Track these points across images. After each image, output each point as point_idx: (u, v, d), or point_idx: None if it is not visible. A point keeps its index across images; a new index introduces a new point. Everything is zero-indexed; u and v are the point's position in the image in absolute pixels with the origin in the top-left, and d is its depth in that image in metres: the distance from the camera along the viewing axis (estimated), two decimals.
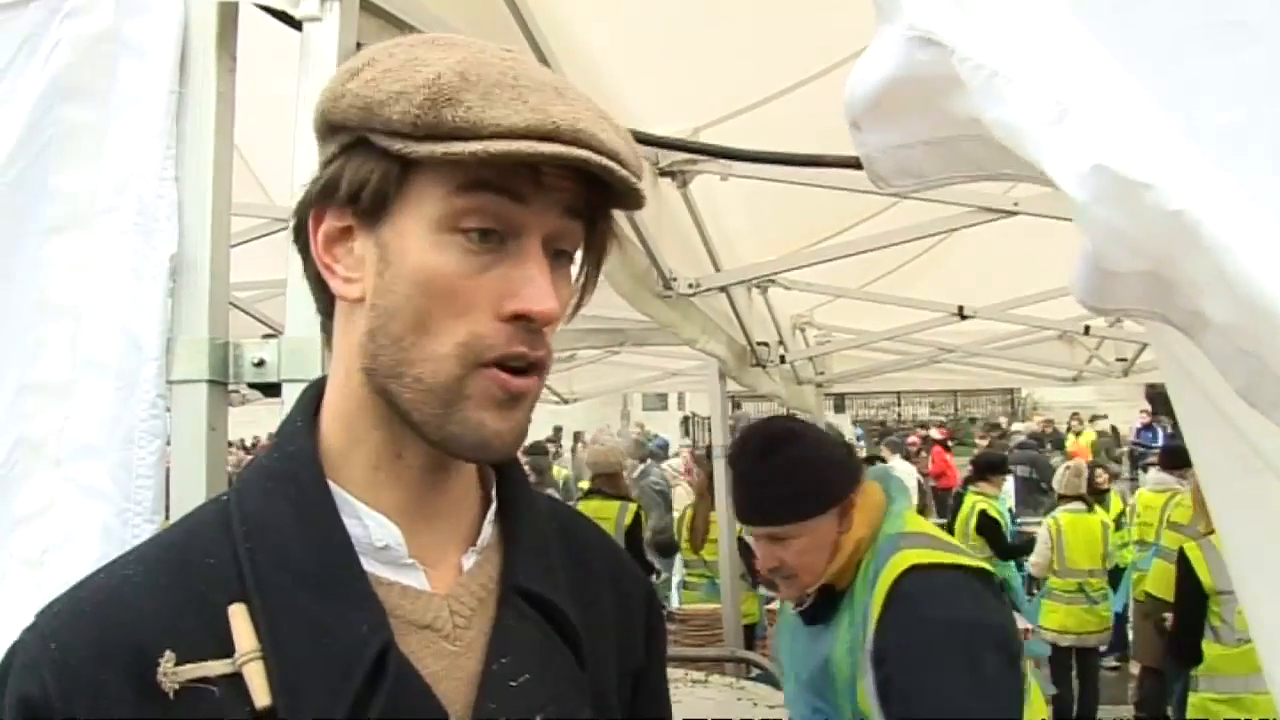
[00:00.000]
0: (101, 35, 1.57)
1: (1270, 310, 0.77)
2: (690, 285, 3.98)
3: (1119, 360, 8.07)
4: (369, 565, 1.03)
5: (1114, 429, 23.23)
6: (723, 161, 3.37)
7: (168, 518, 1.50)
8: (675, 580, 8.87)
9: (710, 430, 6.70)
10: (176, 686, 0.94)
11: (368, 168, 1.00)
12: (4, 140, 1.59)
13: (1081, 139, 0.84)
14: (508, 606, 1.09)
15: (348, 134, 1.01)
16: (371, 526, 1.04)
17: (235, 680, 0.95)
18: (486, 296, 0.99)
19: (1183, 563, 5.32)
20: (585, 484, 9.22)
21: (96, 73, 1.57)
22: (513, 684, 1.04)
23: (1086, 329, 6.83)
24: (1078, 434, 22.22)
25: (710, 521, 7.48)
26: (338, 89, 1.02)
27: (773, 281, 5.30)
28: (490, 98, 0.94)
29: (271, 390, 1.54)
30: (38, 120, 1.58)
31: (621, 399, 28.09)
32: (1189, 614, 5.35)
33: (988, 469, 9.77)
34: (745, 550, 7.80)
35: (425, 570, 1.07)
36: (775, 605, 7.19)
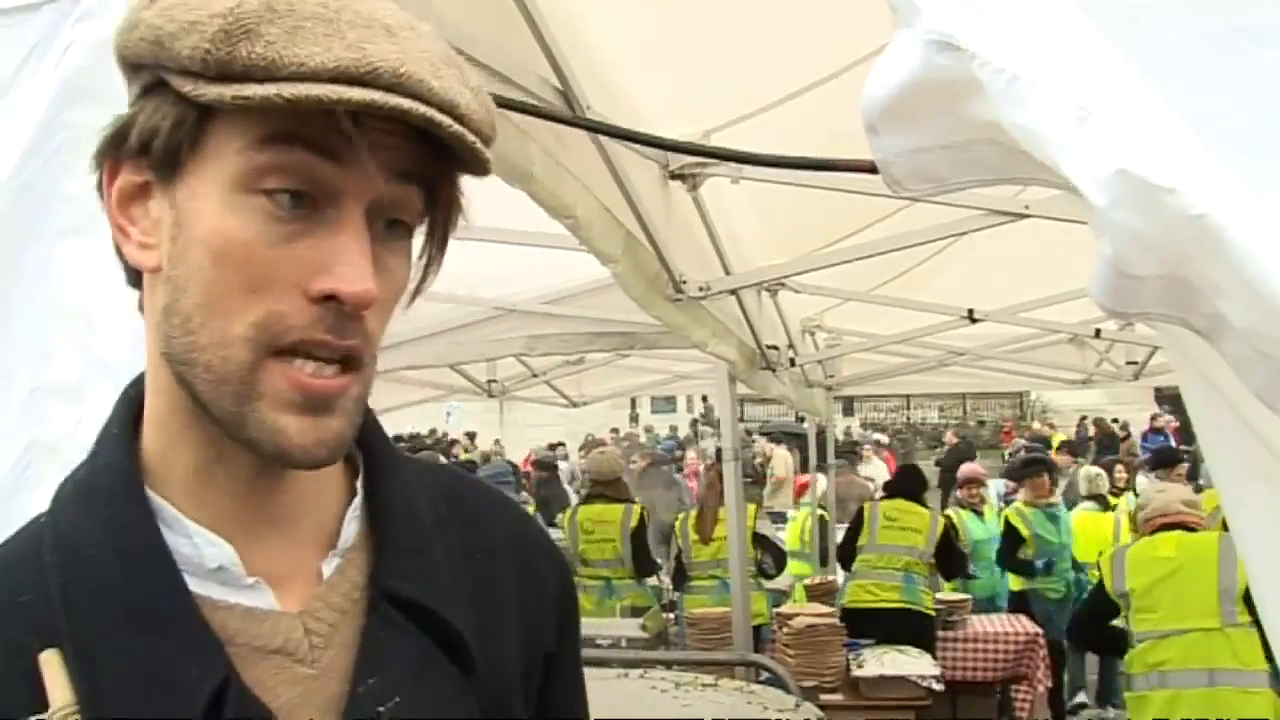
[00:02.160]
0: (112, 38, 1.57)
1: None
2: (700, 288, 3.97)
3: (1129, 363, 8.07)
4: (202, 588, 0.89)
5: (1102, 426, 23.04)
6: (733, 164, 3.37)
7: None
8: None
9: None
10: None
11: (160, 114, 0.85)
12: (15, 144, 1.59)
13: (1103, 143, 0.83)
14: (376, 616, 0.95)
15: (147, 72, 0.87)
16: (201, 545, 0.90)
17: None
18: (292, 270, 0.84)
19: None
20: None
21: (109, 75, 1.56)
22: (381, 709, 0.91)
23: (1097, 332, 6.82)
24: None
25: (720, 517, 7.49)
26: (132, 18, 0.87)
27: (783, 284, 5.29)
28: (298, 32, 0.80)
29: None
30: (49, 124, 1.58)
31: (630, 402, 28.12)
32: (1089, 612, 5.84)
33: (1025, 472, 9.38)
34: (763, 542, 7.82)
35: (274, 586, 0.93)
36: (784, 607, 7.20)
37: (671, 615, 8.40)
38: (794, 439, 17.85)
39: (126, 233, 0.91)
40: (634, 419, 29.66)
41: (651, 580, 8.39)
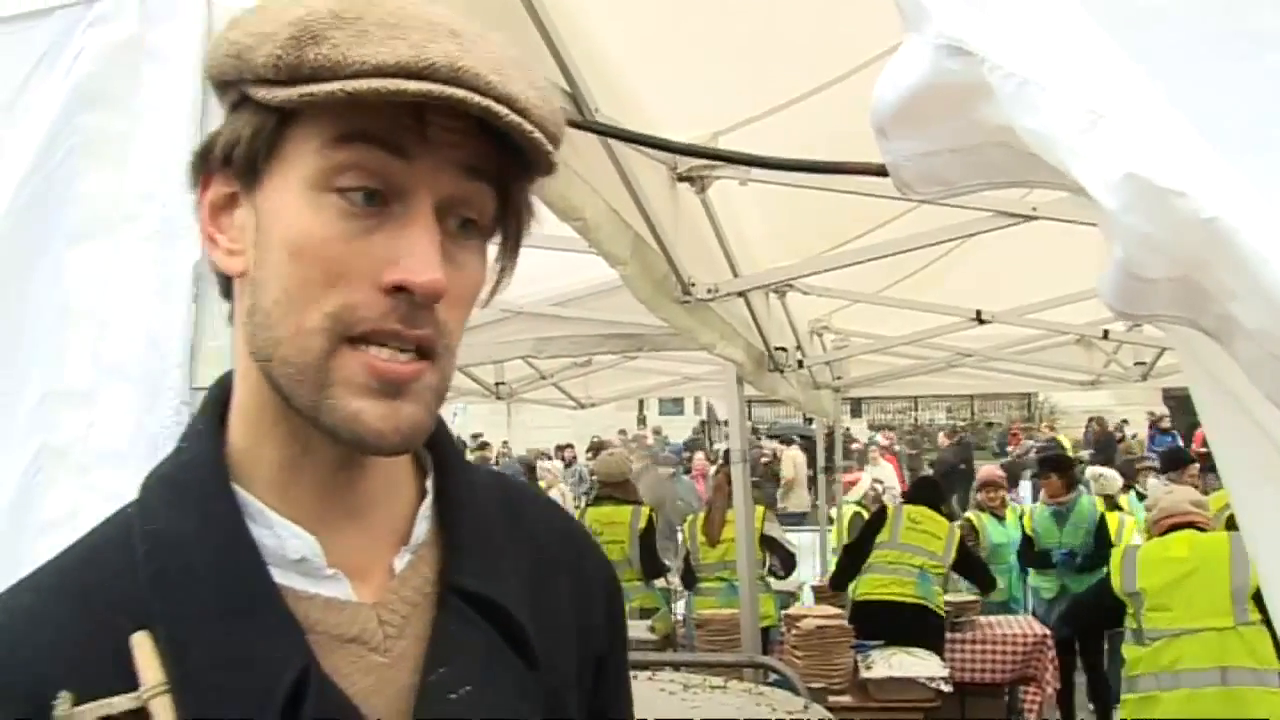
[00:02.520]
0: (125, 43, 1.58)
1: None
2: (709, 290, 3.97)
3: (1138, 364, 8.06)
4: (284, 579, 0.94)
5: (1102, 426, 22.97)
6: (741, 166, 3.37)
7: None
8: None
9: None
10: None
11: (243, 124, 0.91)
12: (27, 149, 1.60)
13: (1113, 146, 0.83)
14: (446, 610, 0.99)
15: (233, 90, 0.93)
16: (285, 537, 0.95)
17: (141, 716, 0.87)
18: (365, 264, 0.88)
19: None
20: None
21: (120, 80, 1.58)
22: (452, 696, 0.96)
23: (1105, 333, 6.82)
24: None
25: (727, 519, 7.50)
26: (218, 39, 0.94)
27: (791, 286, 5.29)
28: (362, 36, 0.85)
29: None
30: (61, 129, 1.59)
31: (638, 403, 28.12)
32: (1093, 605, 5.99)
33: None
34: (771, 545, 7.82)
35: (350, 578, 0.97)
36: (793, 609, 7.20)
37: (680, 617, 8.40)
38: (803, 440, 17.89)
39: (215, 241, 0.96)
40: (641, 421, 29.63)
41: (660, 582, 8.40)
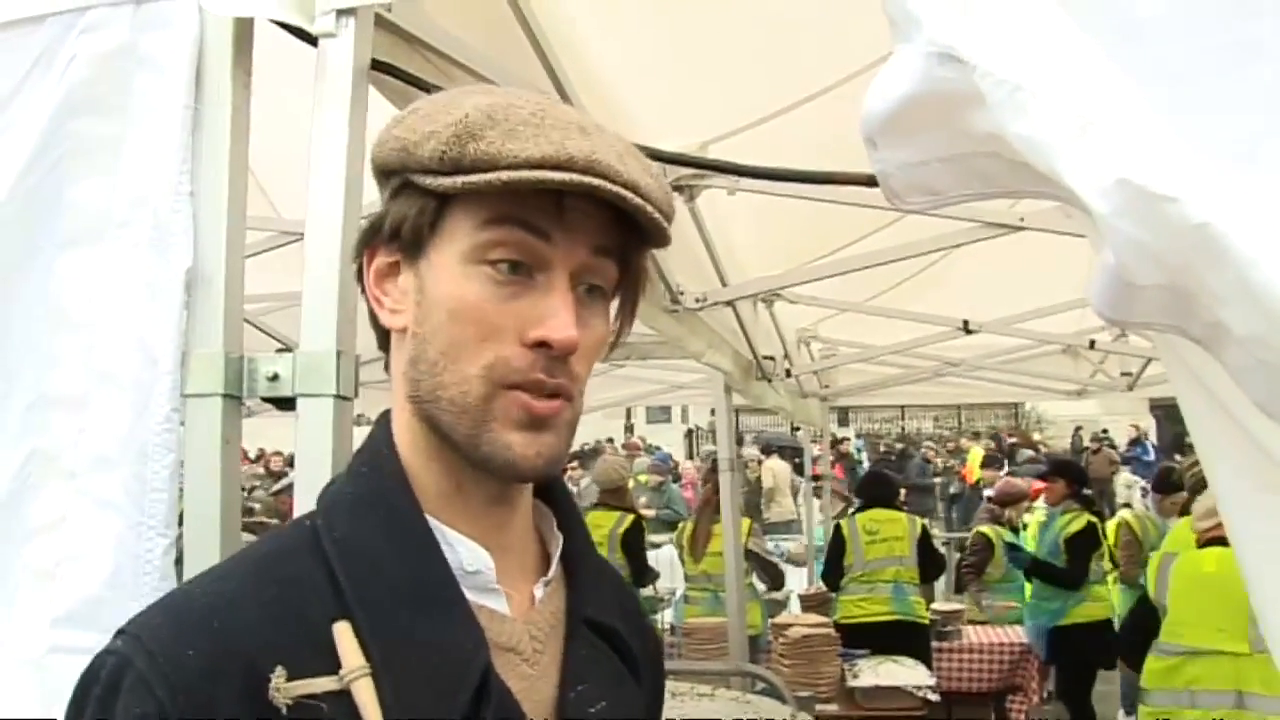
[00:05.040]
0: (118, 50, 1.58)
1: None
2: (697, 299, 3.98)
3: (1124, 374, 8.08)
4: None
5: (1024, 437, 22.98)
6: (730, 176, 3.37)
7: (180, 530, 1.51)
8: (677, 594, 8.88)
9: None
10: (289, 702, 0.94)
11: (408, 206, 1.06)
12: (19, 154, 1.59)
13: (1105, 152, 0.84)
14: (577, 636, 1.14)
15: (396, 177, 1.08)
16: (461, 551, 1.07)
17: (341, 697, 0.96)
18: (512, 323, 1.03)
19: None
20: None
21: (113, 87, 1.58)
22: (592, 710, 1.11)
23: (1091, 343, 6.83)
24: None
25: (712, 534, 7.48)
26: (384, 135, 1.09)
27: (778, 295, 5.30)
28: (513, 134, 1.00)
29: (286, 404, 1.54)
30: (53, 135, 1.59)
31: (625, 412, 28.08)
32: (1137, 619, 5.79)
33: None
34: (757, 560, 7.81)
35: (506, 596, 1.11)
36: (780, 618, 7.19)
37: (668, 626, 8.38)
38: (790, 450, 17.85)
39: (381, 302, 1.12)
40: (629, 429, 29.60)
41: (647, 590, 8.38)
